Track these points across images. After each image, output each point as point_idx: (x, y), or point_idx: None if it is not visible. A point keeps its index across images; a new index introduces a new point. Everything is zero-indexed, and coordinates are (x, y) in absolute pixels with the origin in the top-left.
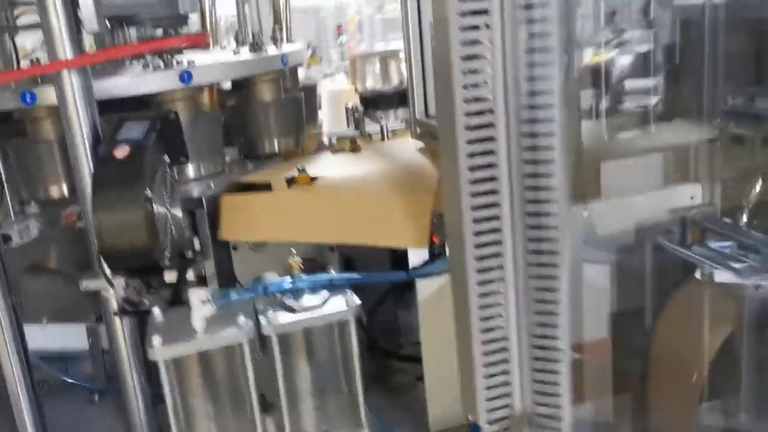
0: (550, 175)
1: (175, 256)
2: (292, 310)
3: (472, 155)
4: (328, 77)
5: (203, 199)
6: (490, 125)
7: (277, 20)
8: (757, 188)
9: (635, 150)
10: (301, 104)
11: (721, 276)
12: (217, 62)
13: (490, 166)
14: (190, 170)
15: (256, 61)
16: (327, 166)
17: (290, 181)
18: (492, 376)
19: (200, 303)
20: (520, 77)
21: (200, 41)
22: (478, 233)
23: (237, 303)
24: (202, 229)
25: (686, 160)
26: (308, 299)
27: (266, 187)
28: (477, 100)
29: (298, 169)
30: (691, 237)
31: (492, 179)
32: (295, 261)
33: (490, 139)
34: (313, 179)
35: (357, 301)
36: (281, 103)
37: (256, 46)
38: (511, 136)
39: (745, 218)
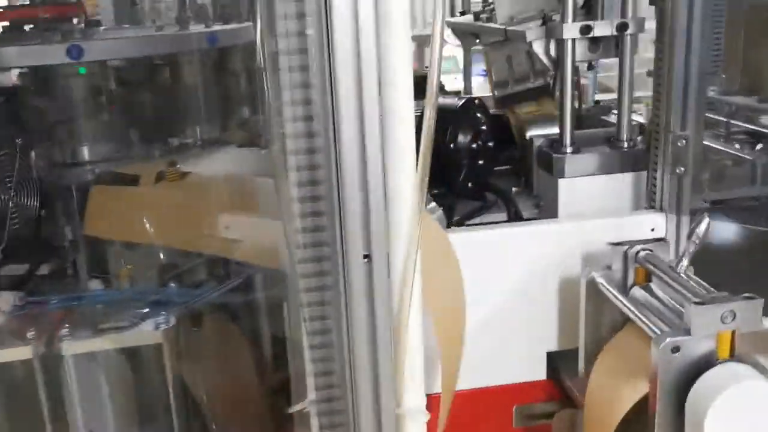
0: None
1: (22, 248)
2: (96, 328)
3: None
4: None
5: (73, 188)
6: None
7: None
8: (702, 228)
9: None
10: (232, 89)
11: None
12: (117, 38)
13: None
14: (83, 154)
15: (170, 38)
16: (219, 162)
17: (160, 176)
18: None
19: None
20: None
21: (71, 11)
22: None
23: (45, 313)
24: (73, 221)
25: None
26: (121, 317)
27: (136, 180)
28: None
29: (169, 163)
30: (633, 277)
31: None
32: (125, 270)
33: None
34: (184, 175)
35: (172, 322)
36: (201, 87)
37: (180, 23)
38: None
39: (685, 262)
